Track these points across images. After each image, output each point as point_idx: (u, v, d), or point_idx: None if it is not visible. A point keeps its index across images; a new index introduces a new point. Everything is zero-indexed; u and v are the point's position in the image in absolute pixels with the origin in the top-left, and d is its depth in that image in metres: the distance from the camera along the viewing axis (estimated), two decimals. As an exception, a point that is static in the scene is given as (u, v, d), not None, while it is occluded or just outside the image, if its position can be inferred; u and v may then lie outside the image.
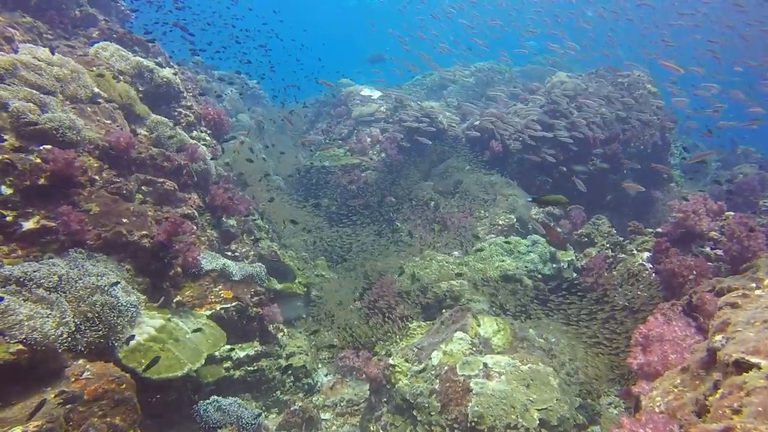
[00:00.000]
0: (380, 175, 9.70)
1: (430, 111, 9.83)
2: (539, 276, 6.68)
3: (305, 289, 6.61)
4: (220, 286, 5.09)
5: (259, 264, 5.79)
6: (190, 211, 5.19)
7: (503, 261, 6.69)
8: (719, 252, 5.20)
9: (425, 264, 6.93)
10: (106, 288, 3.38)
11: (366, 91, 11.37)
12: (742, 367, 1.51)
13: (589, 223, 6.78)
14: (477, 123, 9.32)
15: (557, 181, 8.58)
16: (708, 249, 5.29)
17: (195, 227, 5.22)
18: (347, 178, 9.74)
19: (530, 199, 6.40)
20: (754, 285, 2.88)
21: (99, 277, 3.44)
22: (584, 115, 8.56)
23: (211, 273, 5.00)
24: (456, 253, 7.74)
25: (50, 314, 2.97)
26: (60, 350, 2.99)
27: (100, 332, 3.22)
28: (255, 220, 7.65)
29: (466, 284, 6.39)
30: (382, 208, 9.01)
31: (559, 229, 5.48)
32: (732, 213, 5.35)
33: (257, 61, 12.18)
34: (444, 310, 5.98)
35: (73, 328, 3.08)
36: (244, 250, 6.15)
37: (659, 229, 5.64)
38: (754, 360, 1.48)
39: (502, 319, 5.31)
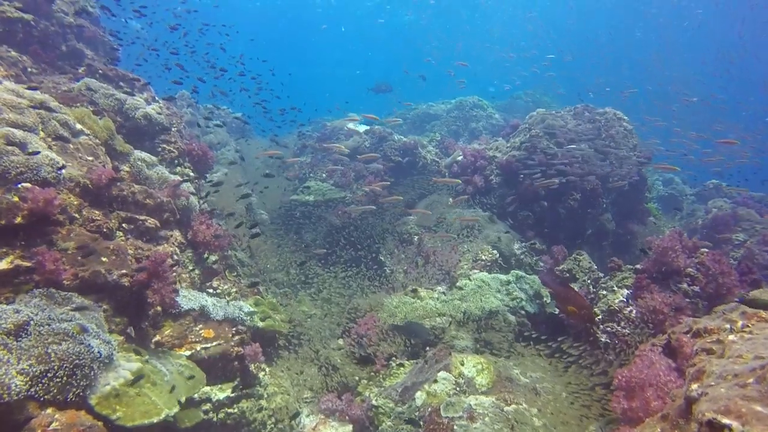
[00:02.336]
0: (364, 211, 9.73)
1: (414, 145, 9.99)
2: (523, 312, 6.70)
3: (288, 326, 6.51)
4: (201, 326, 4.99)
5: (241, 302, 5.71)
6: (171, 249, 5.13)
7: (487, 297, 6.70)
8: (696, 288, 5.30)
9: (409, 300, 6.90)
10: (76, 333, 3.29)
11: (351, 125, 11.54)
12: (714, 427, 1.53)
13: (570, 258, 6.87)
14: (460, 158, 9.49)
15: (539, 216, 8.71)
16: (686, 285, 5.38)
17: (176, 265, 5.15)
18: (332, 212, 9.77)
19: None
20: (728, 326, 2.93)
21: (69, 322, 3.35)
22: (564, 151, 8.80)
23: (191, 312, 4.91)
24: (440, 288, 7.73)
25: (13, 363, 2.87)
26: (24, 400, 2.88)
27: (70, 380, 3.12)
28: (238, 255, 7.60)
29: (450, 321, 6.37)
30: (365, 242, 9.02)
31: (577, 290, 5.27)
32: (706, 249, 5.48)
33: (244, 93, 12.19)
34: (428, 348, 5.95)
35: (40, 376, 2.98)
36: (226, 287, 6.07)
37: (638, 266, 5.73)
38: (725, 421, 1.50)
39: (486, 358, 5.29)
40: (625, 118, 10.25)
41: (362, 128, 11.27)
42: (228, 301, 5.52)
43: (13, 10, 6.63)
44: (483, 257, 7.82)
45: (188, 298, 4.89)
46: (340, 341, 6.62)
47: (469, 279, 7.22)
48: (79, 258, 3.97)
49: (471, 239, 8.42)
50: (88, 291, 3.96)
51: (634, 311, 5.30)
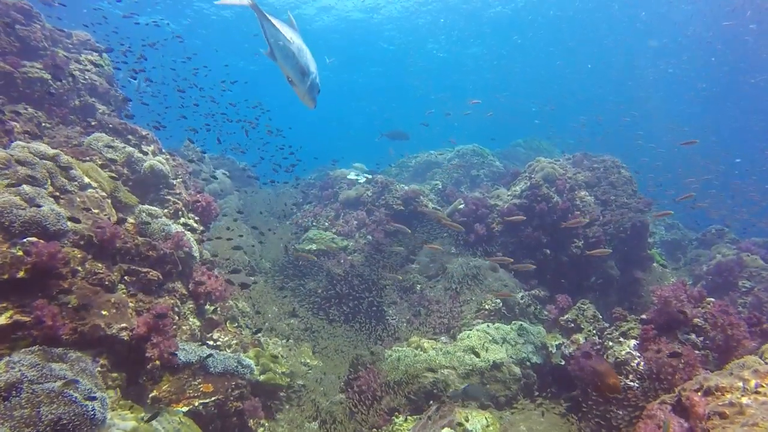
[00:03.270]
0: (366, 257, 9.73)
1: (415, 194, 10.09)
2: (528, 364, 6.56)
3: (288, 380, 6.36)
4: (200, 379, 4.89)
5: (241, 354, 5.61)
6: (172, 301, 5.10)
7: (491, 348, 6.57)
8: (705, 340, 5.19)
9: (412, 352, 6.77)
10: (69, 391, 3.23)
11: (352, 175, 11.71)
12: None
13: (575, 307, 6.78)
14: (461, 206, 9.56)
15: (541, 264, 8.67)
16: (694, 336, 5.28)
17: (177, 317, 5.11)
18: (333, 261, 9.76)
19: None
20: (741, 385, 2.86)
21: (63, 380, 3.29)
22: (566, 198, 8.88)
23: (190, 365, 4.82)
24: (443, 338, 7.62)
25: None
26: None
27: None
28: (239, 306, 7.53)
29: (453, 373, 6.23)
30: (368, 292, 8.95)
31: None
32: (712, 300, 5.41)
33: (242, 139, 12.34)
34: (431, 402, 5.79)
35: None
36: (226, 338, 5.98)
37: (643, 316, 5.64)
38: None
39: (491, 413, 5.13)
40: (624, 165, 10.40)
41: (363, 178, 11.42)
42: (228, 354, 5.42)
43: (36, 70, 6.91)
44: (486, 306, 7.73)
45: (187, 351, 4.82)
46: (342, 395, 6.45)
47: (473, 329, 7.10)
48: (80, 312, 3.94)
49: (474, 288, 8.35)
50: (87, 346, 3.91)
51: (642, 364, 5.18)
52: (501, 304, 7.79)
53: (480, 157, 14.78)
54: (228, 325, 6.55)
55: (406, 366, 6.38)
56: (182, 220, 6.57)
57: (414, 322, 8.29)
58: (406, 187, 10.57)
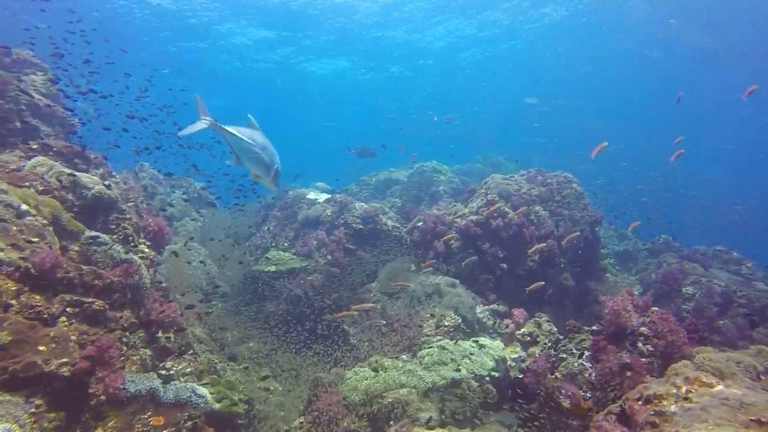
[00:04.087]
0: (326, 277, 9.67)
1: (374, 212, 10.14)
2: (487, 379, 6.62)
3: (246, 407, 6.19)
4: (150, 412, 4.70)
5: (195, 384, 5.44)
6: (120, 332, 4.91)
7: (450, 365, 6.61)
8: (651, 348, 5.39)
9: (372, 372, 6.73)
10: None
11: (312, 195, 11.67)
12: None
13: (531, 321, 6.93)
14: (420, 224, 9.66)
15: (499, 279, 8.84)
16: (641, 345, 5.47)
17: (125, 347, 4.91)
18: (293, 282, 9.65)
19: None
20: (675, 391, 2.99)
21: None
22: (520, 213, 9.11)
23: (139, 398, 4.63)
24: (404, 356, 7.61)
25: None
26: None
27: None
28: (195, 332, 7.32)
29: (414, 392, 6.22)
30: (328, 312, 8.88)
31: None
32: (656, 309, 5.64)
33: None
34: (392, 422, 5.76)
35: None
36: (180, 366, 5.78)
37: (594, 327, 5.82)
38: None
39: (450, 430, 5.15)
40: (576, 180, 10.79)
41: (323, 197, 11.40)
42: (181, 383, 5.24)
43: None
44: (446, 323, 7.79)
45: (136, 383, 4.63)
46: (301, 419, 6.33)
47: (433, 347, 7.14)
48: (11, 350, 3.74)
49: (433, 305, 8.41)
50: (20, 386, 3.70)
51: (593, 374, 5.33)
52: (460, 320, 7.87)
53: (439, 174, 15.03)
54: (183, 352, 6.34)
55: (365, 387, 6.33)
56: (132, 245, 6.36)
57: (375, 342, 8.26)
58: (366, 206, 10.62)
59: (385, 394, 6.16)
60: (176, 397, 4.90)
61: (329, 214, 10.65)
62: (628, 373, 5.05)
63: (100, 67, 10.08)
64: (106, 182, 6.58)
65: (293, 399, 7.21)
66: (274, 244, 10.62)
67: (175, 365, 5.66)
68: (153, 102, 10.85)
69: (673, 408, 2.53)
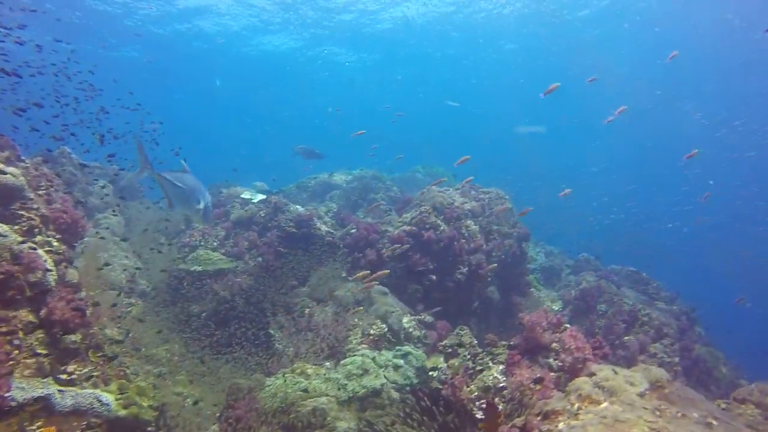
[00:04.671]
0: (256, 280, 9.45)
1: (309, 216, 10.04)
2: (408, 389, 6.72)
3: (156, 413, 5.89)
4: (40, 422, 4.36)
5: (100, 389, 5.12)
6: (9, 335, 4.53)
7: (372, 374, 6.65)
8: (560, 363, 5.70)
9: (293, 378, 6.65)
10: None
11: (246, 194, 11.39)
12: None
13: (453, 333, 7.12)
14: (353, 231, 9.68)
15: (428, 290, 9.02)
16: (551, 360, 5.77)
17: (17, 350, 4.54)
18: (220, 283, 9.35)
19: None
20: (569, 408, 3.16)
21: None
22: (453, 227, 9.36)
23: (28, 406, 4.29)
24: (328, 364, 7.58)
25: None
26: None
27: None
28: (107, 332, 6.90)
29: (333, 401, 6.20)
30: (255, 316, 8.68)
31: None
32: (567, 325, 5.98)
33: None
34: (308, 431, 5.71)
35: None
36: (85, 371, 5.42)
37: (511, 342, 6.08)
38: None
39: (365, 442, 5.17)
40: (507, 197, 11.24)
41: (258, 197, 11.16)
42: (83, 389, 4.92)
43: None
44: (372, 331, 7.84)
45: (25, 390, 4.29)
46: (215, 427, 6.13)
47: (357, 355, 7.16)
48: None
49: (362, 313, 8.44)
50: None
51: (507, 387, 5.55)
52: (386, 329, 7.94)
53: (379, 181, 15.13)
54: (91, 354, 5.95)
55: (285, 394, 6.24)
56: (39, 238, 5.91)
57: (300, 348, 8.17)
58: (301, 209, 10.50)
59: (304, 403, 6.10)
60: (75, 404, 4.59)
61: (262, 215, 10.43)
62: (538, 387, 5.31)
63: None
64: (11, 168, 6.08)
65: (210, 405, 6.96)
66: (202, 243, 10.24)
67: (79, 369, 5.31)
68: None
69: (561, 425, 2.68)
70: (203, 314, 8.99)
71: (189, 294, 9.28)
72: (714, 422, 3.58)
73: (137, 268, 9.75)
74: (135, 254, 10.45)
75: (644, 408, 3.43)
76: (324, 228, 10.25)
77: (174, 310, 9.05)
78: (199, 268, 9.62)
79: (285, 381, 6.55)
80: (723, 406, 5.22)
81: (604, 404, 3.01)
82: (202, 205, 5.58)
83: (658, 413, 3.43)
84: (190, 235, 10.78)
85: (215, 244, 10.23)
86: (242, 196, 11.41)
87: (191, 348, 8.31)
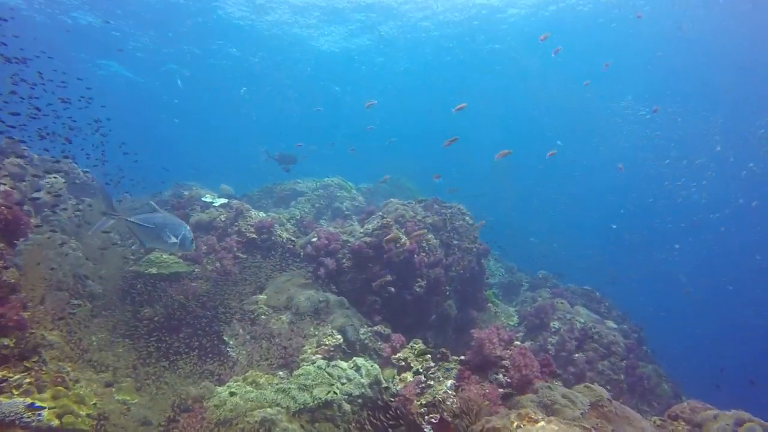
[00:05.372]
0: (212, 285, 9.27)
1: (270, 223, 9.94)
2: (360, 401, 6.70)
3: (94, 423, 5.67)
4: (-38, 433, 4.13)
5: (28, 397, 4.89)
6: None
7: (324, 385, 6.60)
8: (509, 379, 5.81)
9: (244, 388, 6.53)
10: None
11: (207, 198, 11.18)
12: None
13: (407, 346, 7.16)
14: (314, 239, 9.63)
15: (386, 301, 9.04)
16: (501, 376, 5.88)
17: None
18: (175, 287, 9.11)
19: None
20: (508, 425, 3.23)
21: None
22: (413, 240, 9.44)
23: (-48, 413, 4.07)
24: (281, 373, 7.50)
25: None
26: None
27: None
28: (47, 335, 6.61)
29: (283, 412, 6.12)
30: (209, 322, 8.50)
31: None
32: (518, 343, 6.11)
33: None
34: (253, 445, 5.60)
35: None
36: (17, 378, 5.17)
37: (462, 357, 6.16)
38: None
39: (312, 454, 5.12)
40: (468, 213, 11.43)
41: (219, 201, 10.97)
42: (10, 397, 4.69)
43: None
44: (327, 342, 7.80)
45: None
46: (159, 438, 5.94)
47: (310, 365, 7.09)
48: None
49: (318, 323, 8.39)
50: None
51: (456, 402, 5.61)
52: (342, 339, 7.93)
53: (344, 190, 15.15)
54: (26, 360, 5.68)
55: (234, 403, 6.11)
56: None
57: (254, 356, 8.04)
58: (263, 215, 10.38)
59: (253, 413, 5.99)
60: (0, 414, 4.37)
61: (223, 219, 10.25)
62: (486, 403, 5.40)
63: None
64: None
65: (157, 413, 6.74)
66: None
67: (10, 375, 5.05)
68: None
69: (496, 444, 2.74)
70: (155, 318, 8.73)
71: (141, 297, 9.00)
72: (646, 441, 3.75)
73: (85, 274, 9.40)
74: (86, 254, 10.07)
75: (583, 427, 3.55)
76: (285, 235, 10.17)
77: (124, 313, 8.75)
78: (154, 271, 9.35)
79: (235, 390, 6.42)
80: (658, 422, 5.43)
81: (541, 423, 3.10)
82: (175, 239, 5.73)
83: (594, 431, 3.56)
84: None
85: (172, 246, 9.97)
86: (204, 199, 11.19)
87: (141, 353, 8.05)
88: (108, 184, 13.17)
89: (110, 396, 6.66)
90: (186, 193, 11.96)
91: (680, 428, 5.24)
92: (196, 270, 9.68)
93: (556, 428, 2.95)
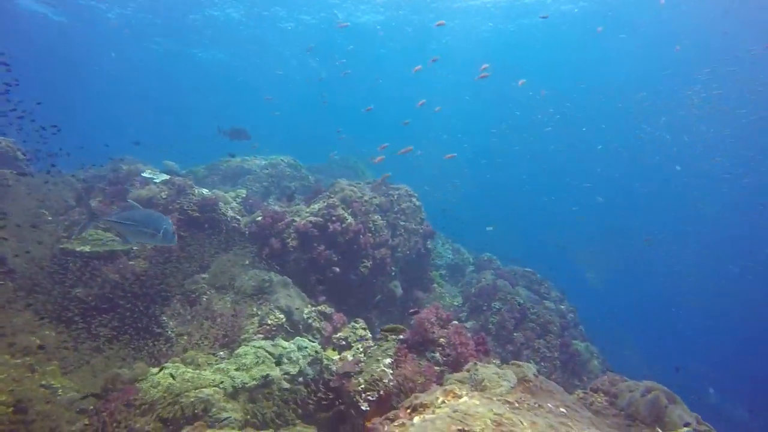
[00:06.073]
0: (151, 264, 8.94)
1: (214, 201, 9.67)
2: (300, 380, 6.73)
3: (10, 409, 5.38)
4: None
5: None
6: None
7: (264, 364, 6.58)
8: (445, 357, 5.99)
9: (180, 368, 6.40)
10: None
11: (147, 173, 10.71)
12: None
13: (348, 326, 7.22)
14: (259, 219, 9.46)
15: (331, 281, 9.05)
16: (438, 354, 6.05)
17: None
18: (111, 265, 8.73)
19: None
20: (434, 402, 3.34)
21: None
22: (360, 220, 9.46)
23: None
24: (221, 353, 7.40)
25: None
26: None
27: None
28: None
29: (221, 392, 6.06)
30: (148, 302, 8.23)
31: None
32: (455, 322, 6.29)
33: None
34: (188, 426, 5.53)
35: None
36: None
37: (401, 336, 6.28)
38: None
39: (246, 433, 5.12)
40: (415, 195, 11.55)
41: (161, 177, 10.54)
42: None
43: None
44: (269, 321, 7.75)
45: None
46: (87, 420, 5.74)
47: (252, 345, 7.03)
48: None
49: (262, 302, 8.31)
50: None
51: (393, 380, 5.74)
52: (285, 319, 7.89)
53: (294, 169, 14.91)
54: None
55: (169, 384, 5.99)
56: None
57: (194, 336, 7.88)
58: (207, 193, 10.06)
59: (188, 393, 5.90)
60: None
61: (164, 196, 9.86)
62: (421, 380, 5.55)
63: None
64: None
65: (82, 399, 6.50)
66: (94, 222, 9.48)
67: None
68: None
69: (416, 419, 2.83)
70: (89, 299, 8.35)
71: (73, 276, 8.56)
72: (564, 410, 3.98)
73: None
74: (9, 231, 9.44)
75: (506, 401, 3.72)
76: (230, 213, 9.92)
77: (52, 293, 8.32)
78: (87, 249, 8.90)
79: (171, 371, 6.29)
80: (581, 395, 5.77)
81: (464, 398, 3.22)
82: (157, 233, 6.03)
83: (517, 405, 3.74)
84: (80, 212, 9.95)
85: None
86: (143, 174, 10.71)
87: (71, 335, 7.70)
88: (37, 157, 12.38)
89: (34, 381, 6.34)
90: (124, 167, 11.39)
91: (599, 399, 5.60)
92: (135, 248, 9.30)
93: (477, 402, 3.07)
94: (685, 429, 4.62)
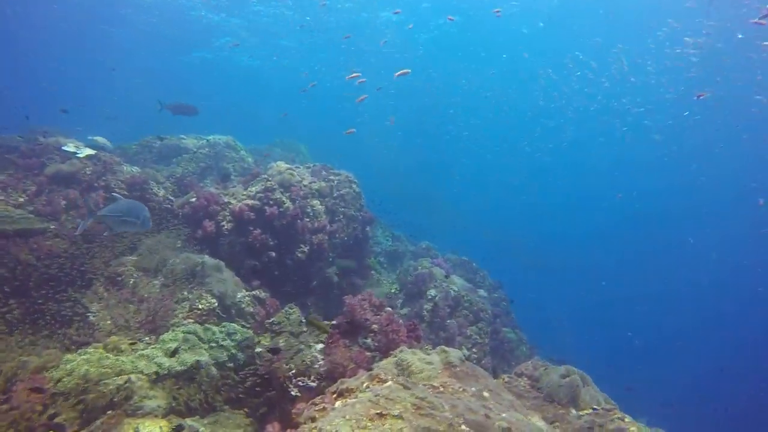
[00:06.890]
0: (72, 245, 8.39)
1: (144, 179, 9.20)
2: (230, 365, 6.60)
3: None
4: None
5: None
6: None
7: (193, 350, 6.40)
8: (376, 343, 6.08)
9: (99, 354, 6.08)
10: None
11: (71, 147, 9.97)
12: None
13: (282, 311, 7.15)
14: (193, 200, 9.11)
15: (266, 266, 8.90)
16: (369, 340, 6.13)
17: None
18: (25, 245, 8.11)
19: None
20: (360, 386, 3.38)
21: None
22: (298, 205, 9.33)
23: None
24: (147, 339, 7.11)
25: None
26: None
27: None
28: None
29: (143, 378, 5.83)
30: (66, 284, 7.74)
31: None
32: (388, 308, 6.39)
33: None
34: (107, 413, 5.29)
35: None
36: None
37: (334, 321, 6.31)
38: None
39: (169, 420, 4.98)
40: (356, 181, 11.54)
41: (86, 152, 9.86)
42: None
43: None
44: (200, 306, 7.53)
45: None
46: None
47: (178, 330, 6.80)
48: None
49: (193, 286, 8.04)
50: None
51: (324, 366, 5.76)
52: (216, 303, 7.70)
53: (233, 151, 14.43)
54: None
55: (86, 371, 5.68)
56: None
57: (119, 321, 7.51)
58: (136, 171, 9.56)
59: (107, 381, 5.62)
60: None
61: (88, 172, 9.26)
62: (352, 365, 5.61)
63: None
64: None
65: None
66: (2, 198, 8.75)
67: None
68: None
69: (338, 403, 2.86)
70: (-2, 279, 7.73)
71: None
72: (486, 394, 4.16)
73: None
74: None
75: (431, 386, 3.84)
76: (162, 193, 9.49)
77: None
78: (-5, 227, 8.22)
79: (89, 357, 5.96)
80: (506, 379, 6.06)
81: (389, 383, 3.29)
82: (137, 220, 6.49)
83: (441, 389, 3.87)
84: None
85: (21, 199, 8.82)
86: (65, 148, 9.97)
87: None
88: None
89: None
90: (42, 139, 10.54)
91: (523, 383, 5.91)
92: (53, 227, 8.69)
93: (399, 387, 3.15)
94: (592, 410, 4.98)
